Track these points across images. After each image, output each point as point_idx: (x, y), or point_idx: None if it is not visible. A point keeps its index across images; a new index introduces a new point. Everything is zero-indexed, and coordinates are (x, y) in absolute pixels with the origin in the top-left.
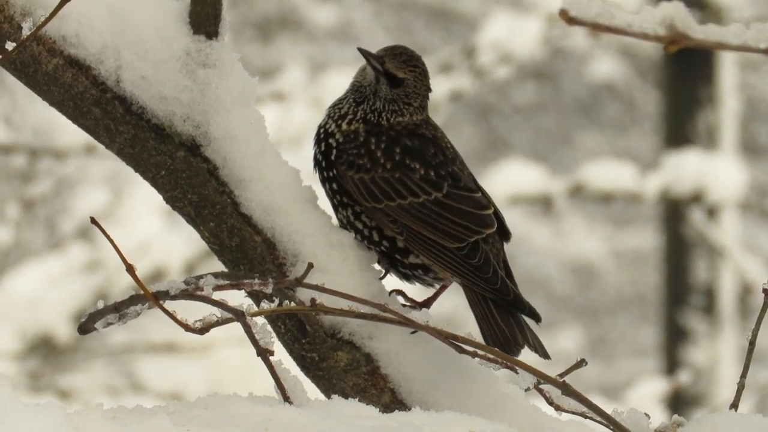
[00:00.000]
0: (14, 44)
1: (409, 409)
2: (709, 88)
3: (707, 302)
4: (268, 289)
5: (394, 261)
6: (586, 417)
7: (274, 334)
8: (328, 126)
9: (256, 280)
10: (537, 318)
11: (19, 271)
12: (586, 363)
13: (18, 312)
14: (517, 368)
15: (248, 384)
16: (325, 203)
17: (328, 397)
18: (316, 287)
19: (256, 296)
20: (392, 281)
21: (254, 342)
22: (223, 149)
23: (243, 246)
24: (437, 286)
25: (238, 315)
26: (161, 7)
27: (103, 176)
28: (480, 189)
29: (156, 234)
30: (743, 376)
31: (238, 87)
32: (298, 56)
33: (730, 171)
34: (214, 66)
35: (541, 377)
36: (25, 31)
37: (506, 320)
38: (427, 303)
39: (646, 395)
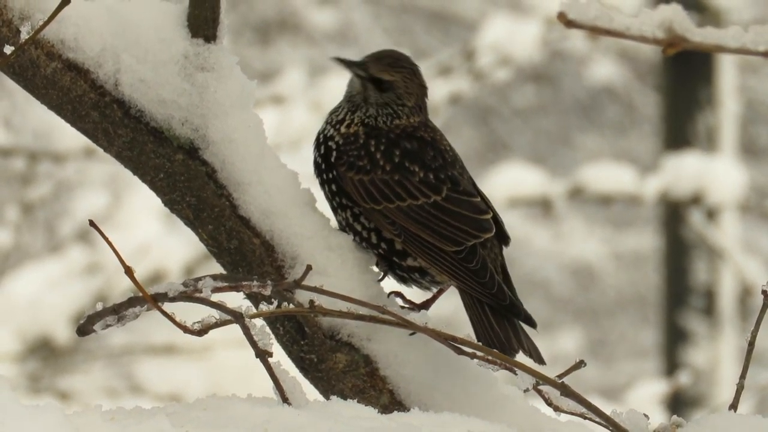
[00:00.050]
0: (13, 48)
1: (408, 410)
2: (709, 90)
3: (707, 303)
4: (267, 291)
5: (392, 263)
6: (585, 418)
7: (272, 336)
8: (327, 131)
9: (255, 282)
10: (533, 324)
11: (18, 273)
12: (585, 364)
13: (18, 314)
14: (515, 369)
15: (247, 385)
16: (324, 206)
17: (327, 398)
18: (314, 289)
19: (255, 298)
20: (391, 283)
21: (253, 344)
22: (222, 152)
23: (241, 248)
24: (434, 290)
25: (237, 317)
26: (160, 11)
27: (102, 179)
28: (479, 193)
29: (155, 237)
30: (743, 377)
31: (237, 90)
32: (297, 59)
33: (730, 173)
34: (212, 69)
35: (540, 378)
36: (24, 35)
37: (501, 324)
38: (425, 305)
39: (646, 396)
